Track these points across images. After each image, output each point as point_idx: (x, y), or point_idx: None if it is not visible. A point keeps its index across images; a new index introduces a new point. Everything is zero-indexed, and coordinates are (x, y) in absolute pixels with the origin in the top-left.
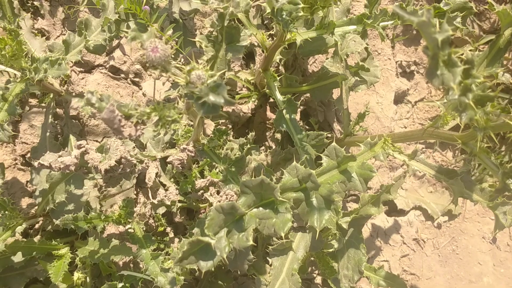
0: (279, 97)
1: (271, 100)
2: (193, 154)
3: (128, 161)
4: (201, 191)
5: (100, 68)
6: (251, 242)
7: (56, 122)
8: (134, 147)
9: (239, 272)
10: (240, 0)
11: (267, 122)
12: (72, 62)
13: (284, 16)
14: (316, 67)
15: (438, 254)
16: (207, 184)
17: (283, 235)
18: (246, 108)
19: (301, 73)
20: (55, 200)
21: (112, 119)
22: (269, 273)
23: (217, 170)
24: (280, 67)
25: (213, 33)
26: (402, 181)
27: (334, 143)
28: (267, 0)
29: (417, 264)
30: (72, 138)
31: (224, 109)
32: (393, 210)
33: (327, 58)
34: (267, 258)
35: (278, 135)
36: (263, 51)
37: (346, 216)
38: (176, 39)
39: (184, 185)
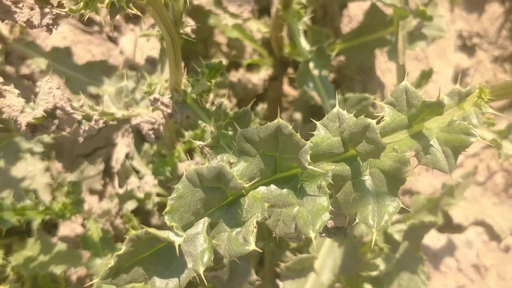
0: (304, 44)
1: (290, 71)
2: (169, 110)
3: (67, 114)
4: None
5: (68, 17)
6: (253, 246)
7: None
8: (80, 99)
9: None
10: None
11: (284, 99)
12: None
13: None
14: (352, 28)
15: (504, 287)
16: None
17: (312, 236)
18: (257, 78)
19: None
20: None
21: None
22: None
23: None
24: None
25: None
26: (470, 181)
27: (405, 81)
28: None
29: None
30: None
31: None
32: (447, 225)
33: None
34: (277, 281)
35: (298, 115)
36: None
37: (398, 223)
38: None
39: (160, 166)
